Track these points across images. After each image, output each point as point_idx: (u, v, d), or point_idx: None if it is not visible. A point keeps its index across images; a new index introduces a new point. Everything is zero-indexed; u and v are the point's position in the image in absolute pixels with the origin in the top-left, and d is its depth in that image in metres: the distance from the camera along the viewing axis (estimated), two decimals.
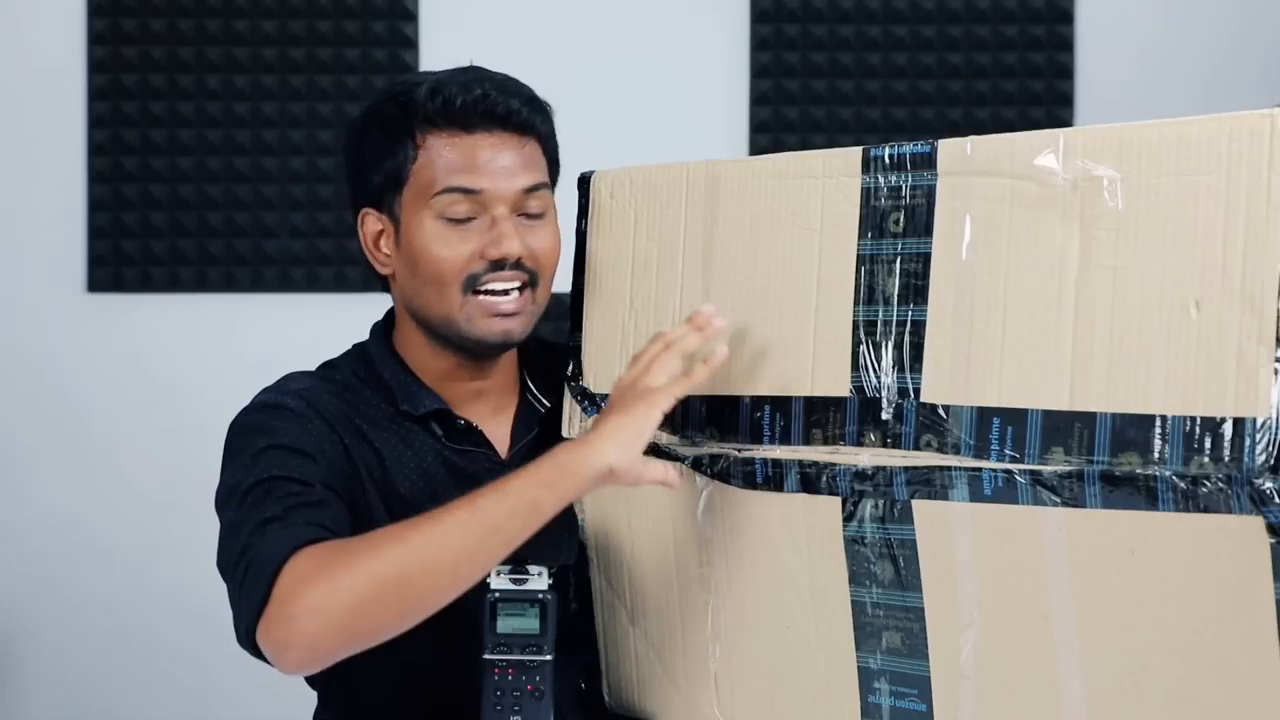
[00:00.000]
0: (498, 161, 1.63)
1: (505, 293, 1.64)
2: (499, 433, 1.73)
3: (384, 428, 1.69)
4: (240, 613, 1.48)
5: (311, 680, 1.71)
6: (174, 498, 3.37)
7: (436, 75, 1.67)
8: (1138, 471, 1.25)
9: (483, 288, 1.63)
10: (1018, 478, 1.32)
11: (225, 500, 1.58)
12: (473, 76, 1.66)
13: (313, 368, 1.75)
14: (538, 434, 1.73)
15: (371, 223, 1.69)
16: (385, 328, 1.76)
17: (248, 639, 1.48)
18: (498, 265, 1.63)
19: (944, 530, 1.39)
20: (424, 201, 1.64)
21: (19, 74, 3.39)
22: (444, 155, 1.63)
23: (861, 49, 3.44)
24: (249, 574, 1.48)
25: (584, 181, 1.70)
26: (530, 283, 1.65)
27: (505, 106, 1.64)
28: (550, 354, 1.77)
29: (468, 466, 1.70)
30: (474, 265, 1.63)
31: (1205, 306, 1.22)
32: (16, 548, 3.39)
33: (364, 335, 1.78)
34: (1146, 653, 1.29)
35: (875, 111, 3.44)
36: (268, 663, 1.49)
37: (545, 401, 1.74)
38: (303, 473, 1.57)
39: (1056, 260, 1.31)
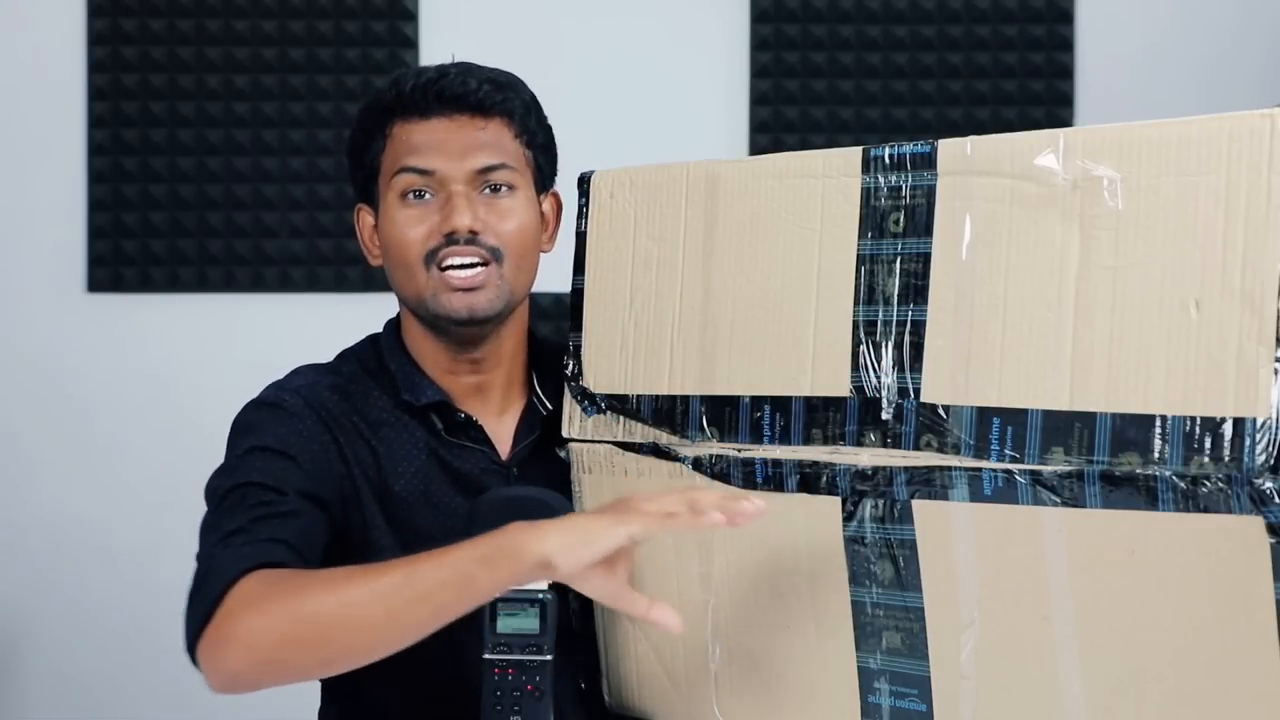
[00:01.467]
0: (452, 142, 1.66)
1: (464, 267, 1.65)
2: (502, 433, 1.73)
3: (383, 424, 1.69)
4: (187, 622, 1.50)
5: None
6: (174, 497, 3.36)
7: (412, 69, 1.73)
8: (1138, 471, 1.25)
9: (443, 264, 1.65)
10: (1018, 478, 1.32)
11: (209, 498, 1.61)
12: (441, 67, 1.70)
13: (321, 363, 1.76)
14: (540, 436, 1.73)
15: (364, 217, 1.74)
16: (398, 321, 1.77)
17: (190, 650, 1.49)
18: (452, 240, 1.65)
19: (944, 530, 1.39)
20: (388, 186, 1.68)
21: (19, 74, 3.39)
22: (404, 141, 1.67)
23: (861, 49, 3.44)
24: (200, 587, 1.49)
25: (584, 181, 1.70)
26: (494, 258, 1.66)
27: (460, 87, 1.67)
28: (560, 356, 1.77)
29: (464, 466, 1.70)
30: (431, 241, 1.65)
31: (1205, 306, 1.22)
32: (17, 547, 3.39)
33: (362, 335, 1.79)
34: (1146, 653, 1.29)
35: (875, 111, 3.44)
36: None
37: (549, 404, 1.74)
38: (279, 479, 1.59)
39: (1056, 260, 1.31)
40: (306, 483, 1.61)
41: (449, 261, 1.65)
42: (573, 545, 1.37)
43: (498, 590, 1.42)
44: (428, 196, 1.66)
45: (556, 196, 1.78)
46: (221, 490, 1.59)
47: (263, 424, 1.64)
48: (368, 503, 1.66)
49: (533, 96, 1.73)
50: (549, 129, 1.75)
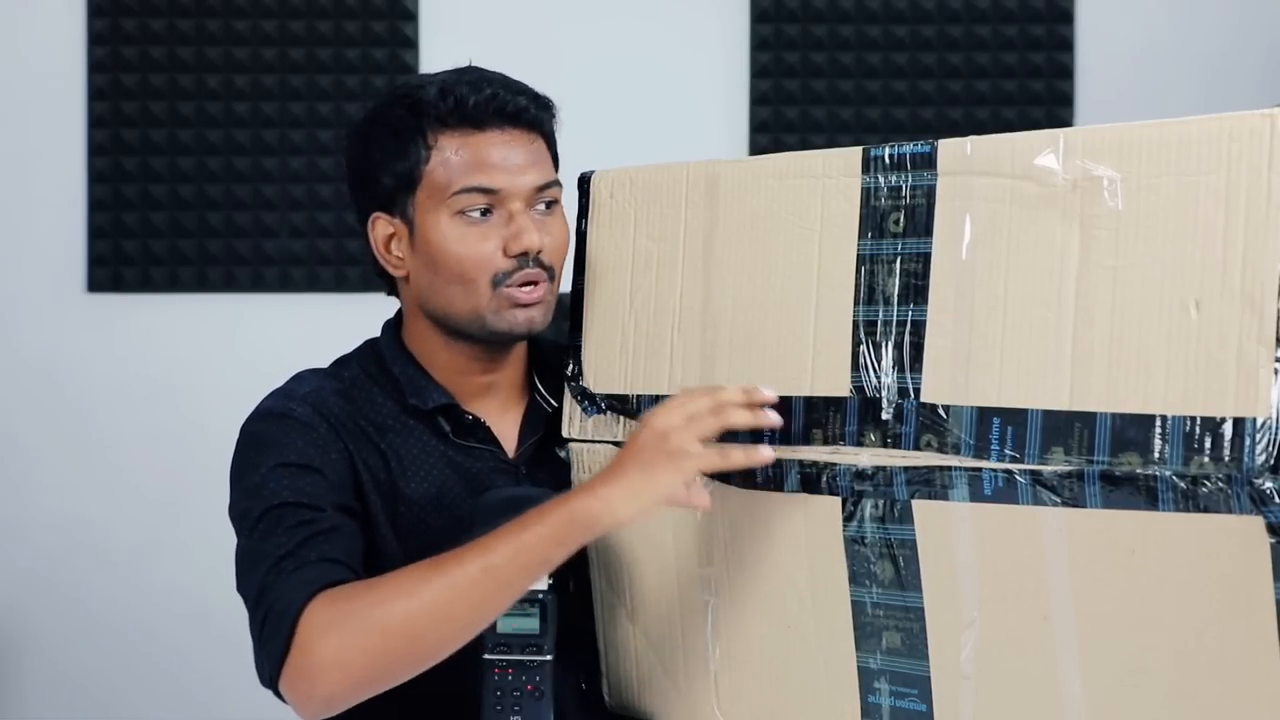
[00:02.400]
0: (511, 159, 1.65)
1: (531, 284, 1.65)
2: (507, 431, 1.73)
3: (390, 429, 1.69)
4: (262, 660, 1.51)
5: None
6: (174, 497, 3.37)
7: (440, 77, 1.68)
8: (1138, 471, 1.25)
9: (510, 285, 1.64)
10: (1018, 478, 1.32)
11: (239, 521, 1.60)
12: (478, 76, 1.67)
13: (319, 366, 1.75)
14: (545, 434, 1.73)
15: (382, 226, 1.69)
16: (396, 324, 1.76)
17: (271, 684, 1.51)
18: (521, 261, 1.64)
19: (944, 530, 1.39)
20: (440, 201, 1.64)
21: (19, 74, 3.39)
22: (458, 155, 1.64)
23: (861, 49, 3.44)
24: (268, 622, 1.50)
25: (584, 181, 1.70)
26: (550, 277, 1.67)
27: (515, 104, 1.65)
28: (559, 355, 1.77)
29: (473, 466, 1.70)
30: (499, 263, 1.64)
31: (1205, 306, 1.22)
32: (17, 547, 3.39)
33: (363, 335, 1.79)
34: (1146, 653, 1.29)
35: (875, 111, 3.44)
36: (285, 703, 1.52)
37: (553, 402, 1.74)
38: (312, 495, 1.58)
39: (1056, 260, 1.31)
40: (336, 494, 1.61)
41: (521, 282, 1.64)
42: (645, 506, 1.46)
43: (569, 557, 1.48)
44: (490, 214, 1.64)
45: None
46: (254, 514, 1.57)
47: (279, 437, 1.63)
48: (376, 512, 1.66)
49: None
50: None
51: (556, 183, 1.68)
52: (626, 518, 1.46)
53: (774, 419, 1.47)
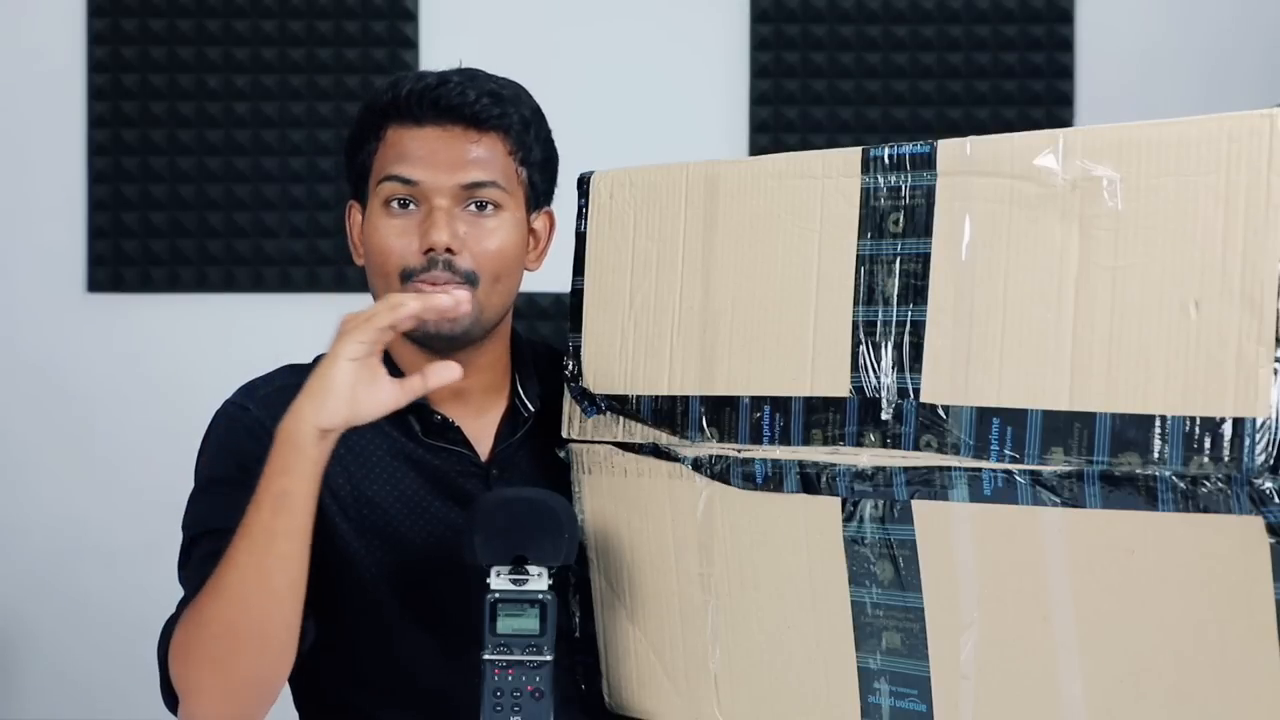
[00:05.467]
0: (441, 154, 1.63)
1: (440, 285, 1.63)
2: (482, 434, 1.72)
3: (356, 429, 1.68)
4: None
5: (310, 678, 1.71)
6: (174, 497, 3.32)
7: (413, 72, 1.70)
8: (1137, 471, 1.25)
9: (417, 282, 1.63)
10: (1017, 478, 1.32)
11: (185, 530, 1.67)
12: (444, 73, 1.67)
13: (302, 363, 1.75)
14: (522, 438, 1.72)
15: (355, 214, 1.72)
16: None
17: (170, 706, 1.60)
18: (431, 260, 1.62)
19: (944, 530, 1.39)
20: (374, 190, 1.66)
21: (19, 74, 3.39)
22: (395, 146, 1.64)
23: (861, 49, 3.44)
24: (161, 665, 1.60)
25: (584, 181, 1.69)
26: (468, 282, 1.63)
27: (458, 98, 1.63)
28: (551, 358, 1.76)
29: (442, 465, 1.69)
30: (410, 258, 1.63)
31: (1205, 306, 1.22)
32: (16, 547, 3.39)
33: None
34: (1146, 653, 1.29)
35: (875, 111, 3.44)
36: None
37: (531, 405, 1.73)
38: (232, 518, 1.57)
39: (1056, 260, 1.31)
40: None
41: (427, 282, 1.62)
42: (323, 401, 1.48)
43: (311, 486, 1.49)
44: (411, 207, 1.64)
45: (550, 216, 1.74)
46: (185, 537, 1.66)
47: (223, 446, 1.67)
48: (333, 515, 1.65)
49: (535, 110, 1.69)
50: (550, 144, 1.72)
51: (494, 184, 1.64)
52: (317, 419, 1.48)
53: (443, 304, 1.51)
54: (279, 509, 1.48)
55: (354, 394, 1.48)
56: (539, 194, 1.71)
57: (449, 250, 1.62)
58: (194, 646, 1.52)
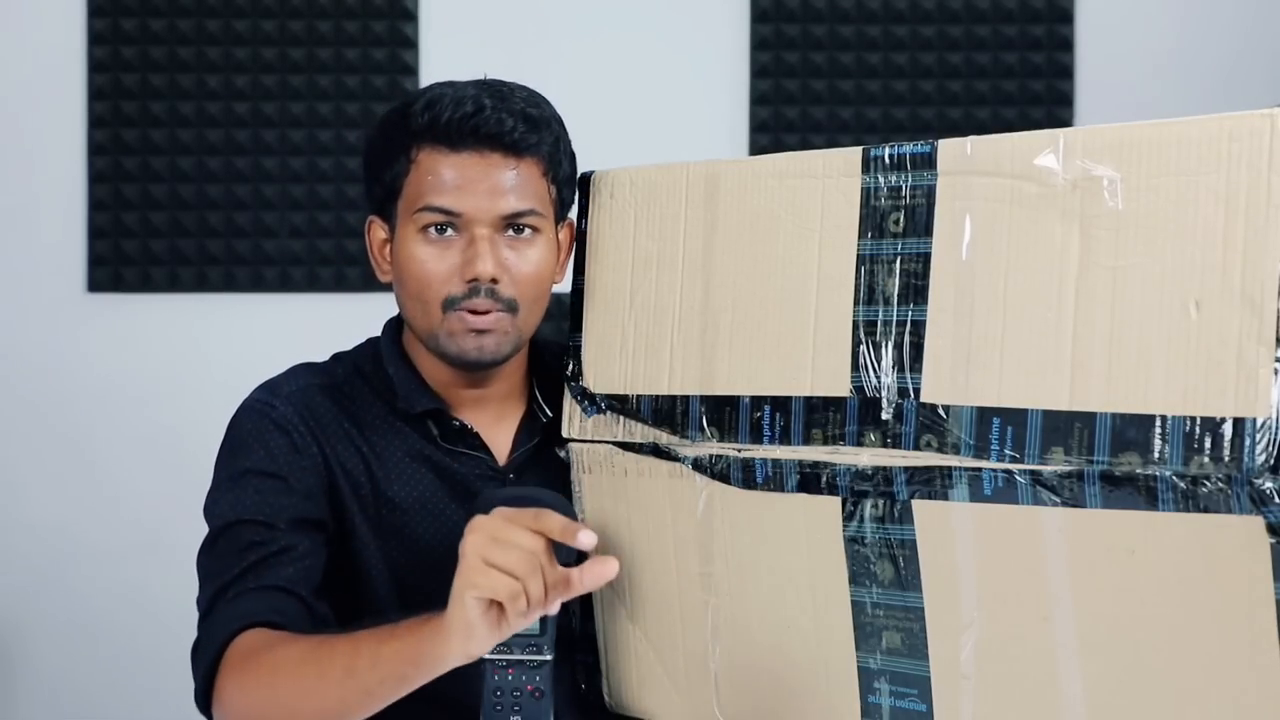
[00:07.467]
0: (482, 183, 1.61)
1: (481, 313, 1.63)
2: (499, 439, 1.73)
3: (375, 430, 1.69)
4: (194, 678, 1.58)
5: None
6: (173, 498, 3.36)
7: (441, 88, 1.65)
8: (1138, 471, 1.25)
9: (461, 309, 1.63)
10: (1018, 478, 1.32)
11: (207, 520, 1.64)
12: (474, 91, 1.64)
13: (317, 362, 1.76)
14: (539, 442, 1.73)
15: (376, 229, 1.70)
16: (397, 324, 1.76)
17: (200, 706, 1.58)
18: (474, 289, 1.62)
19: (944, 530, 1.39)
20: (410, 215, 1.64)
21: (19, 74, 3.39)
22: (431, 172, 1.62)
23: (861, 49, 3.44)
24: (198, 651, 1.58)
25: (584, 181, 1.70)
26: (510, 309, 1.64)
27: (496, 125, 1.61)
28: (559, 358, 1.76)
29: (460, 469, 1.70)
30: (452, 287, 1.62)
31: (1205, 306, 1.22)
32: (15, 548, 3.39)
33: (363, 335, 1.79)
34: (1146, 653, 1.29)
35: (875, 111, 3.44)
36: None
37: (548, 411, 1.73)
38: (271, 510, 1.60)
39: (1056, 260, 1.31)
40: (299, 506, 1.62)
41: (470, 309, 1.62)
42: (482, 643, 1.37)
43: (429, 679, 1.44)
44: (449, 233, 1.62)
45: (571, 225, 1.73)
46: (217, 524, 1.62)
47: (253, 439, 1.65)
48: (350, 512, 1.66)
49: (560, 124, 1.68)
50: (573, 155, 1.70)
51: (533, 212, 1.64)
52: (472, 652, 1.39)
53: (586, 540, 1.36)
54: (388, 682, 1.45)
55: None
56: (565, 207, 1.71)
57: (493, 280, 1.62)
58: (251, 692, 1.52)
